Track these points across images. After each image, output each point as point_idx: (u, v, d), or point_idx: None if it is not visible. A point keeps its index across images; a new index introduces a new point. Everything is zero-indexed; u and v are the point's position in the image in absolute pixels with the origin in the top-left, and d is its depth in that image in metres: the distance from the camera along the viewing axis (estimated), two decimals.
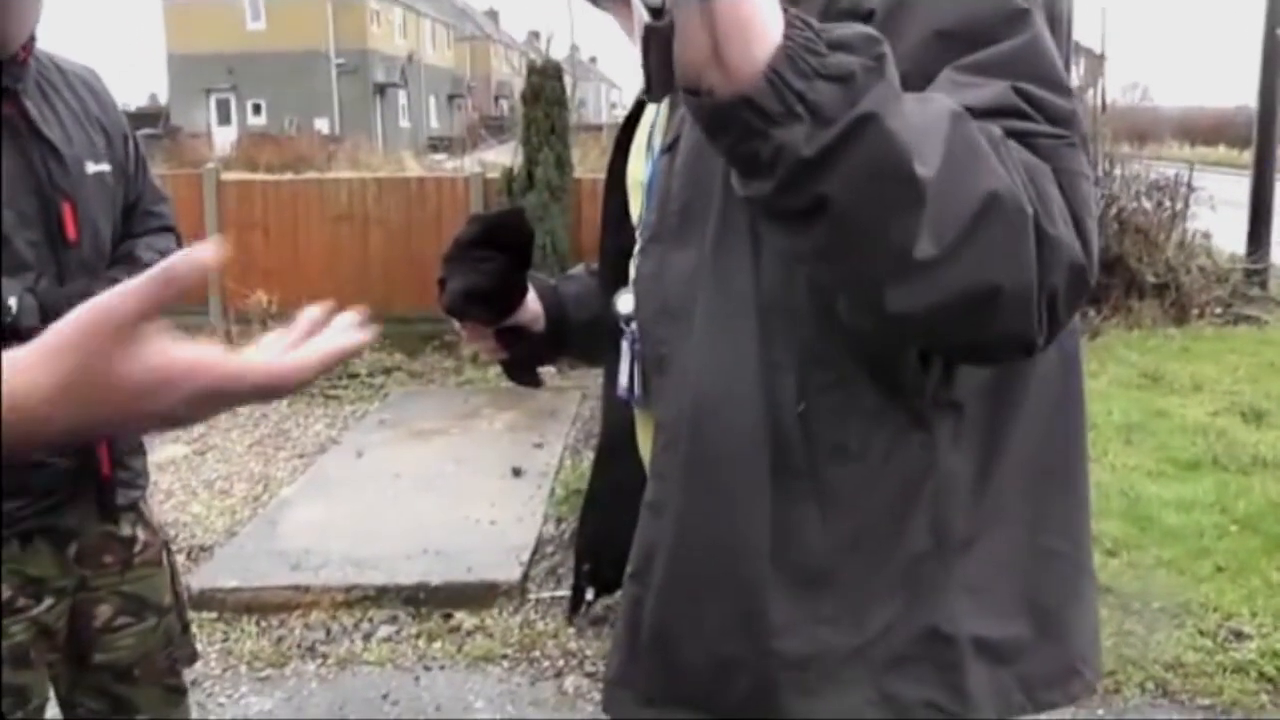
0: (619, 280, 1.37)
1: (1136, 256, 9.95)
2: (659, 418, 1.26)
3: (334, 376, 8.42)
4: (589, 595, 1.55)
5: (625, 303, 1.33)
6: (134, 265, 2.14)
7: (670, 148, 1.25)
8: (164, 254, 2.19)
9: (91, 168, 2.10)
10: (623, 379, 1.35)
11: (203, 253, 0.82)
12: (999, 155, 0.91)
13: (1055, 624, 1.25)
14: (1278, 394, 7.50)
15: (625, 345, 1.34)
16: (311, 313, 0.94)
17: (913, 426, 1.14)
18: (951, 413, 1.15)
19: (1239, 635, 4.12)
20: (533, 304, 1.54)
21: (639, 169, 1.36)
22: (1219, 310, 10.25)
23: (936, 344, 1.04)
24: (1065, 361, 1.24)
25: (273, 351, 0.90)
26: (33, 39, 2.06)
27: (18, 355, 0.82)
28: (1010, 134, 0.95)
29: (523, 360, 1.57)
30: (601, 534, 1.50)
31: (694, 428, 1.19)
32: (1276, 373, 8.18)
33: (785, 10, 0.85)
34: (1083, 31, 11.03)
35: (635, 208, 1.36)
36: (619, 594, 1.35)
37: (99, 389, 0.82)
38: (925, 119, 0.88)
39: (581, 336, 1.55)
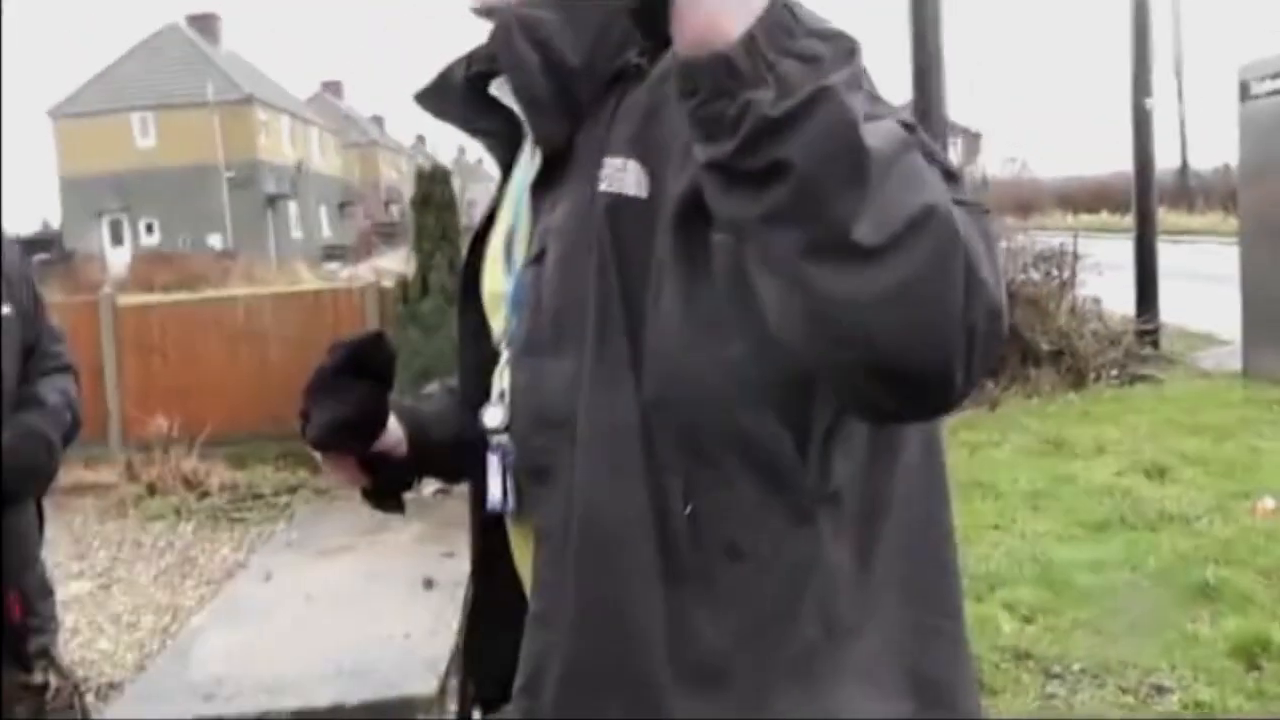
0: (481, 394, 1.35)
1: (1029, 326, 10.18)
2: (541, 527, 1.25)
3: (239, 498, 8.30)
4: (475, 715, 1.52)
5: (492, 416, 1.32)
6: (40, 407, 2.15)
7: (537, 259, 1.25)
8: (65, 393, 2.24)
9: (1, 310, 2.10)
10: (494, 492, 1.32)
11: None
12: (941, 183, 0.95)
13: (944, 694, 1.27)
14: (1179, 449, 7.66)
15: (494, 459, 1.32)
16: None
17: (797, 521, 1.15)
18: (831, 505, 1.17)
19: (1160, 689, 4.17)
20: (394, 429, 1.51)
21: (497, 281, 1.36)
22: (1115, 372, 10.48)
23: (857, 360, 0.99)
24: (928, 445, 1.27)
25: None
26: None
27: None
28: None
29: (386, 487, 1.54)
30: (484, 651, 1.48)
31: (582, 534, 1.19)
32: (1176, 429, 8.36)
33: None
34: (957, 111, 11.34)
35: (496, 321, 1.36)
36: (505, 710, 1.33)
37: None
38: (879, 125, 0.93)
39: (445, 456, 1.52)
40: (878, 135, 0.92)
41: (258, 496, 8.29)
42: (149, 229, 47.30)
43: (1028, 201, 23.76)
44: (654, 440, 1.14)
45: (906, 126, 1.01)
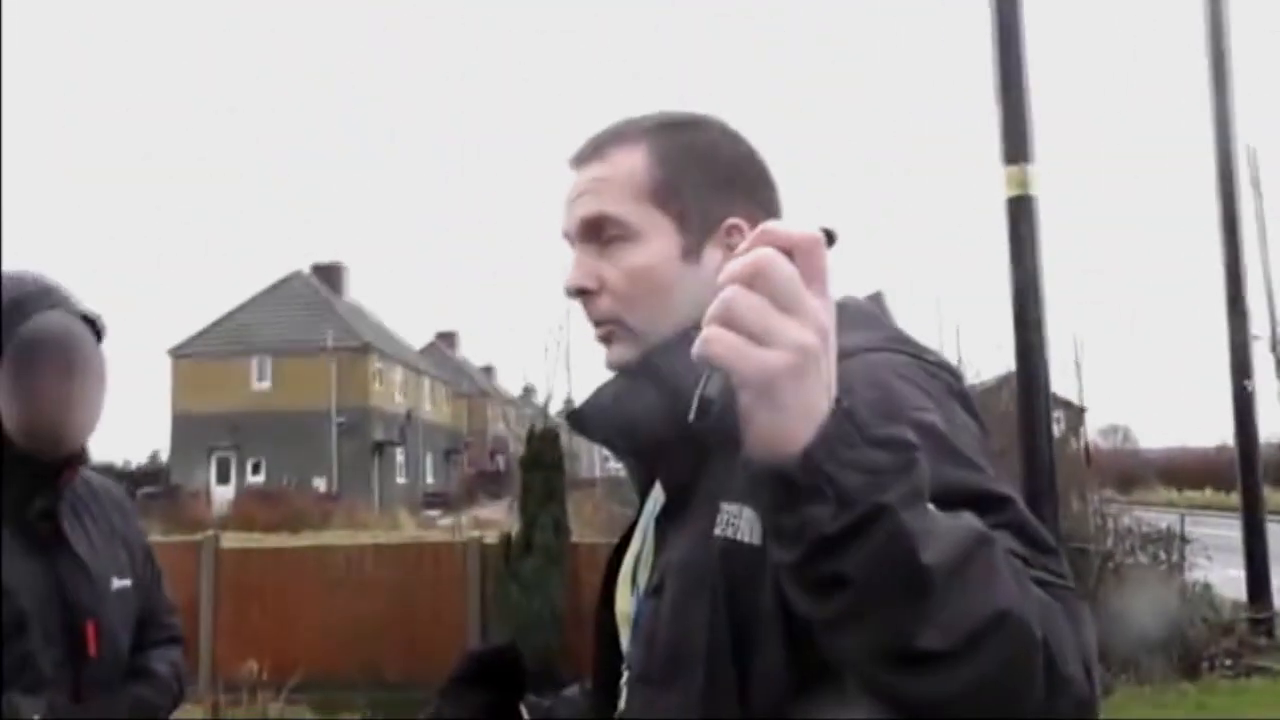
0: (610, 705, 1.39)
1: (1139, 611, 9.86)
2: None
3: None
4: None
5: None
6: (152, 679, 2.24)
7: (657, 590, 1.30)
8: (174, 665, 2.33)
9: (115, 583, 2.20)
10: None
11: None
12: (1018, 581, 0.96)
13: None
14: None
15: None
16: None
17: None
18: None
19: None
20: None
21: (625, 600, 1.41)
22: (1229, 662, 10.06)
23: None
24: None
25: None
26: (84, 456, 2.21)
27: None
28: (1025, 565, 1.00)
29: None
30: None
31: None
32: None
33: (835, 401, 0.94)
34: (1059, 383, 11.31)
35: (623, 637, 1.40)
36: None
37: None
38: (949, 527, 0.94)
39: None
40: (945, 541, 0.93)
41: None
42: (255, 468, 48.23)
43: (1130, 474, 23.39)
44: None
45: (998, 500, 1.05)
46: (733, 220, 1.35)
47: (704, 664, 1.19)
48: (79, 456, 2.21)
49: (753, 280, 0.92)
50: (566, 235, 1.42)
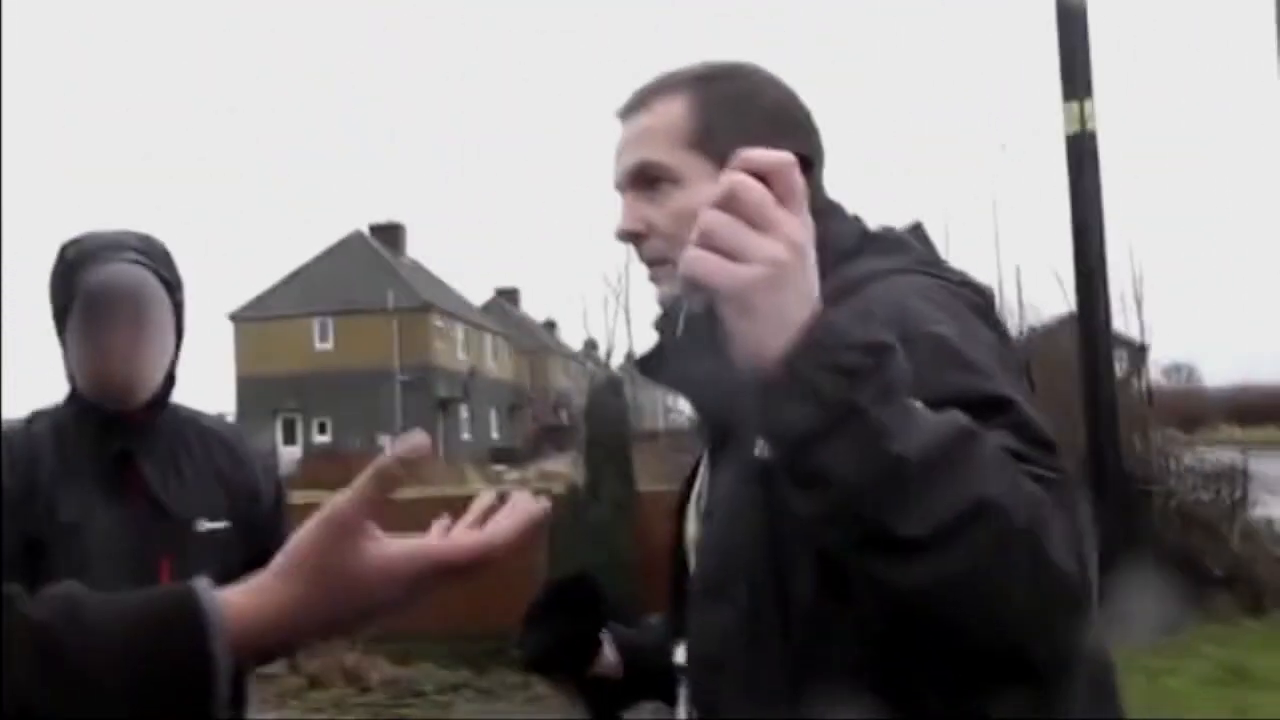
0: (681, 630, 1.48)
1: (1202, 549, 9.84)
2: None
3: (399, 694, 8.37)
4: None
5: (680, 653, 1.46)
6: None
7: (710, 514, 1.40)
8: None
9: (204, 525, 2.20)
10: None
11: (408, 445, 0.97)
12: (1003, 472, 1.02)
13: None
14: None
15: (682, 692, 1.46)
16: (484, 500, 1.07)
17: None
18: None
19: None
20: (610, 655, 1.68)
21: (691, 526, 1.51)
22: None
23: (939, 639, 1.08)
24: (1098, 694, 1.29)
25: (458, 535, 1.03)
26: (164, 401, 2.23)
27: (259, 582, 0.95)
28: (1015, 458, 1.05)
29: (604, 706, 1.70)
30: None
31: None
32: None
33: (817, 311, 1.02)
34: (1120, 322, 11.21)
35: (691, 563, 1.49)
36: None
37: (338, 590, 0.93)
38: (931, 422, 1.02)
39: (662, 683, 1.63)
40: (924, 434, 1.00)
41: (419, 694, 8.35)
42: (321, 428, 48.69)
43: (1194, 413, 23.07)
44: (799, 697, 1.22)
45: (999, 402, 1.10)
46: None
47: (746, 579, 1.27)
48: (159, 400, 2.23)
49: (727, 203, 1.00)
50: (617, 186, 1.49)
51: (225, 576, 2.35)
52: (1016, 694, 1.18)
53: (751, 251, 0.99)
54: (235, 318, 50.94)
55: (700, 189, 1.39)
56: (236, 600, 0.93)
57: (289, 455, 43.13)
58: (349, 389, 46.97)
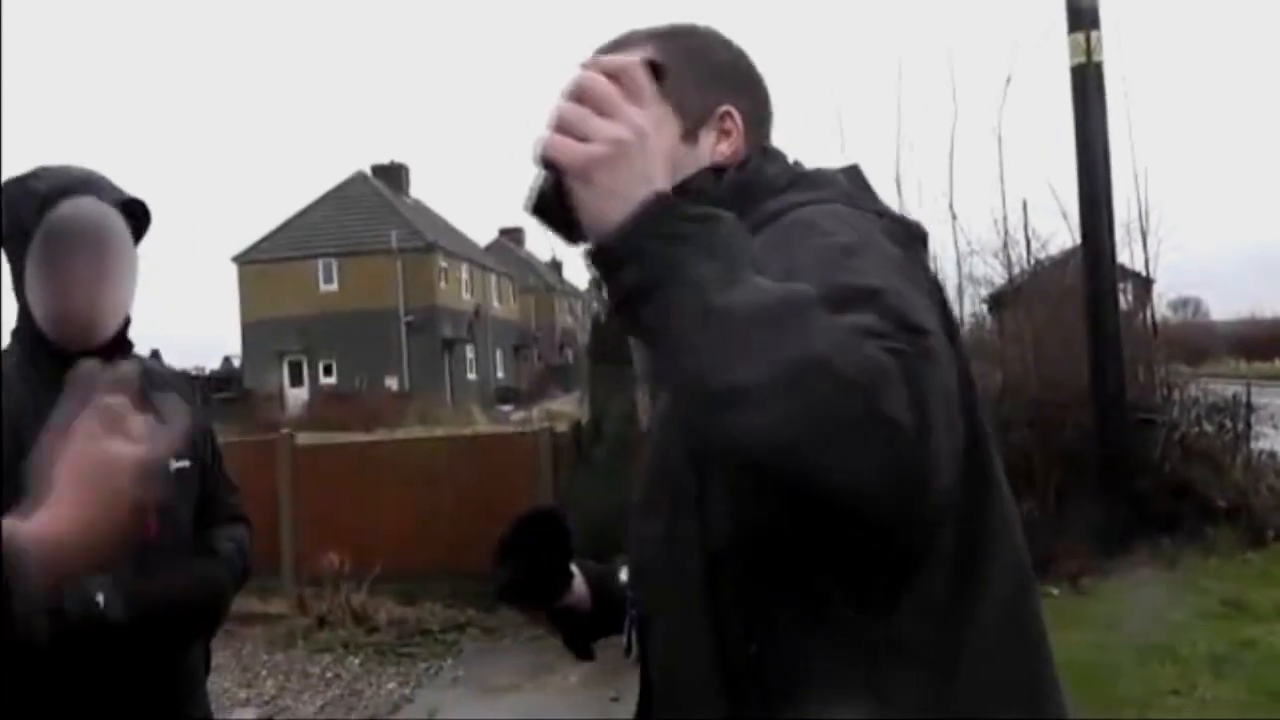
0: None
1: (1204, 481, 9.85)
2: (645, 678, 1.45)
3: (406, 634, 8.45)
4: None
5: (624, 571, 1.56)
6: (216, 556, 2.28)
7: (649, 432, 1.48)
8: (237, 541, 2.37)
9: (174, 464, 2.20)
10: (625, 644, 1.56)
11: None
12: (838, 335, 1.04)
13: None
14: None
15: (630, 612, 1.54)
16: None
17: (858, 671, 1.22)
18: (896, 658, 1.23)
19: None
20: (579, 588, 1.74)
21: None
22: None
23: (790, 499, 1.09)
24: (1020, 584, 1.33)
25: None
26: (125, 340, 2.21)
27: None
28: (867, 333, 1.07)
29: (576, 636, 1.77)
30: None
31: (663, 684, 1.38)
32: None
33: (658, 190, 1.12)
34: (1125, 255, 11.13)
35: None
36: None
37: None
38: (765, 285, 1.07)
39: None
40: (754, 292, 1.06)
41: (425, 633, 8.43)
42: (327, 370, 48.76)
43: (1199, 347, 23.09)
44: (718, 592, 1.27)
45: (867, 292, 1.11)
46: (724, 108, 1.50)
47: (669, 491, 1.34)
48: (126, 344, 2.22)
49: (578, 95, 1.15)
50: None
51: (193, 512, 2.33)
52: (927, 581, 1.22)
53: (596, 133, 1.13)
54: (239, 260, 50.90)
55: (663, 130, 1.42)
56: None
57: (296, 397, 43.34)
58: (354, 330, 47.00)
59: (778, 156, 1.52)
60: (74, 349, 2.08)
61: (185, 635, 2.24)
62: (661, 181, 1.14)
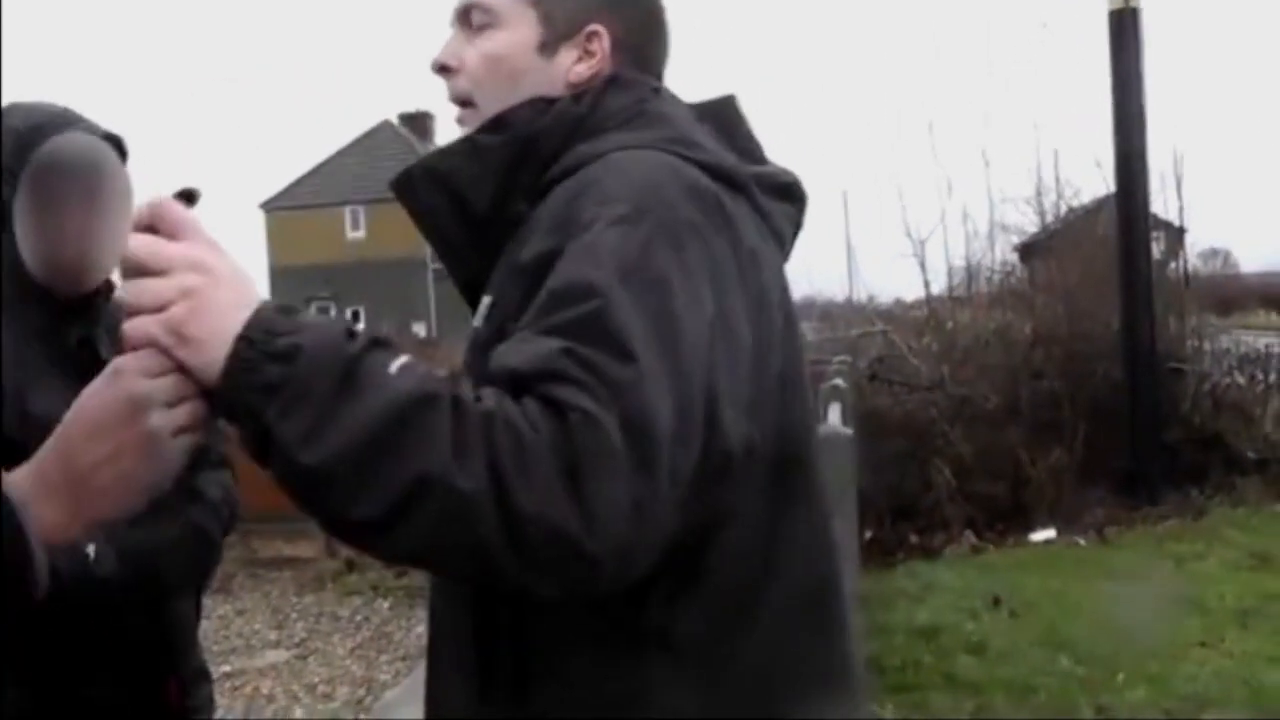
0: None
1: (1234, 432, 9.80)
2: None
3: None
4: None
5: None
6: (202, 501, 2.16)
7: None
8: (224, 488, 2.25)
9: None
10: None
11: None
12: (461, 436, 1.01)
13: None
14: None
15: None
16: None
17: (622, 658, 1.20)
18: (665, 649, 1.21)
19: None
20: None
21: None
22: None
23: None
24: (807, 600, 1.31)
25: None
26: (111, 285, 2.08)
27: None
28: (544, 399, 1.03)
29: None
30: None
31: (434, 635, 1.40)
32: None
33: (247, 318, 1.06)
34: (1160, 204, 11.02)
35: None
36: None
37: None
38: (364, 409, 1.02)
39: None
40: (347, 430, 1.01)
41: None
42: (355, 316, 48.78)
43: (1230, 299, 22.91)
44: None
45: (582, 291, 1.09)
46: (593, 26, 1.41)
47: None
48: (108, 286, 2.07)
49: (133, 269, 1.09)
50: (450, 22, 1.50)
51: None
52: (709, 583, 1.21)
53: (160, 297, 1.07)
54: (267, 207, 50.93)
55: (519, 35, 1.41)
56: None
57: None
58: (381, 277, 47.06)
59: (631, 87, 1.40)
60: (64, 294, 2.02)
61: (175, 585, 2.13)
62: (250, 299, 1.09)
